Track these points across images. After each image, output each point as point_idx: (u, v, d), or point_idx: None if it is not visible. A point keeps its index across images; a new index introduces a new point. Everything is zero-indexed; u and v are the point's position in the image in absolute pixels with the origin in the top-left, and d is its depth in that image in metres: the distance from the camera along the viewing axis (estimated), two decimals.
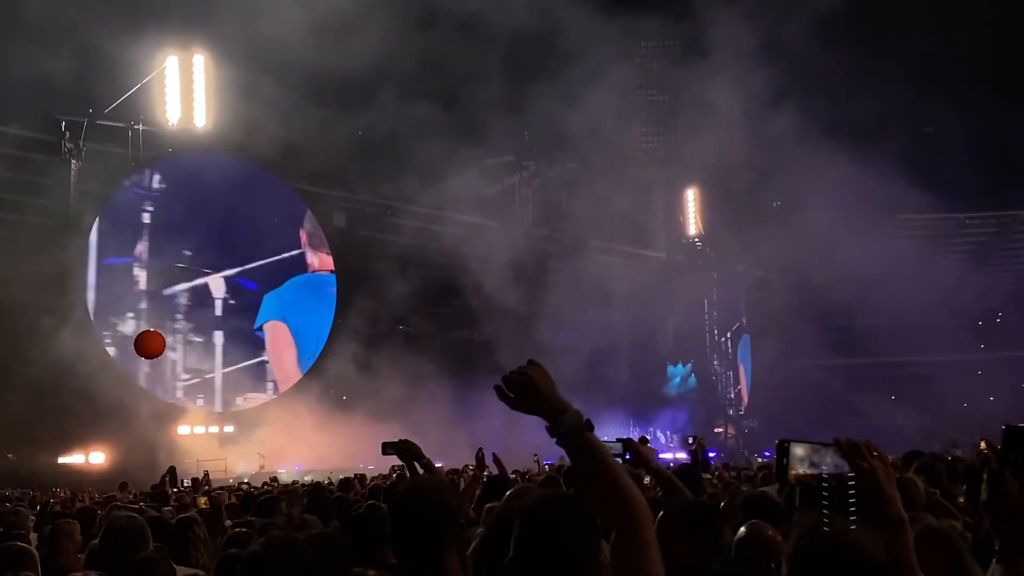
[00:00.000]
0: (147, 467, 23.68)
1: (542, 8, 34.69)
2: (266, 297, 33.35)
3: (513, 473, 12.64)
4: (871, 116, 37.33)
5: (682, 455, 27.55)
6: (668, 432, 36.57)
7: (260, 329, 33.29)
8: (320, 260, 35.28)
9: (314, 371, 33.86)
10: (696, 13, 39.44)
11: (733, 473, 14.32)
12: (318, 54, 28.95)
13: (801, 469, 2.44)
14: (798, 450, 2.44)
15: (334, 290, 35.05)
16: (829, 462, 2.42)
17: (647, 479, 5.36)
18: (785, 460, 2.43)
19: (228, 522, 7.10)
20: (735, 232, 43.00)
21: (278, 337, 33.54)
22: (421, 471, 5.16)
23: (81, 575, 3.77)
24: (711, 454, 29.69)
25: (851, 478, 2.37)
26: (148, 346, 15.28)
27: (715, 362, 47.48)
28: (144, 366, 30.63)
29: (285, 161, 33.66)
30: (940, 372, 45.63)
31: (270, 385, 33.42)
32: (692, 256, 46.42)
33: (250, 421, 30.93)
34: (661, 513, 3.68)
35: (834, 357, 46.42)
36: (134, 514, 4.92)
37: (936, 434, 34.06)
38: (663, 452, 31.04)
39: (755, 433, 43.95)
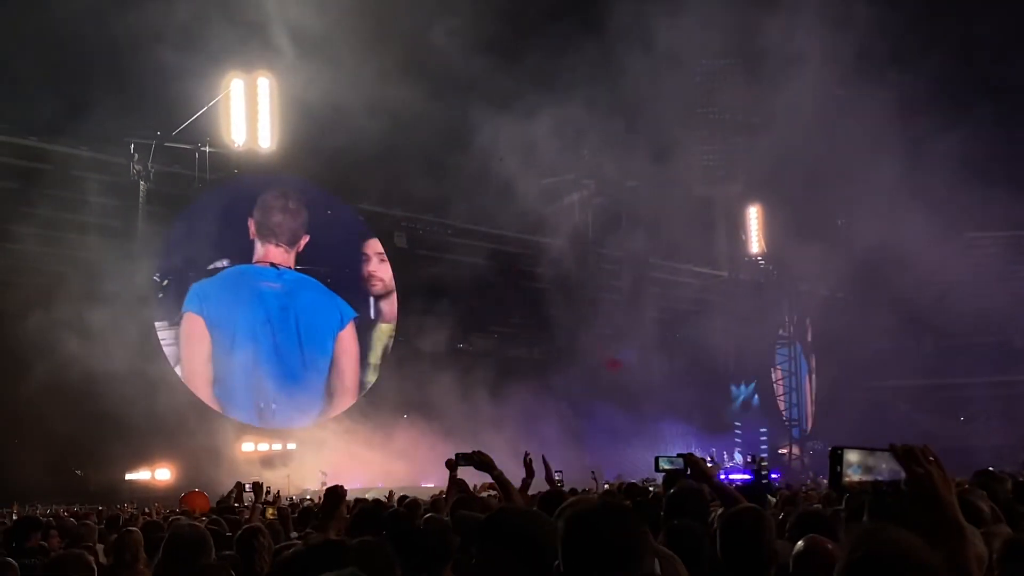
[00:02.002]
0: (212, 484, 23.96)
1: (601, 28, 34.82)
2: (193, 286, 31.09)
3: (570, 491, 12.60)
4: (940, 126, 36.59)
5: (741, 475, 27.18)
6: (736, 452, 36.11)
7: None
8: (267, 252, 32.81)
9: (375, 390, 34.06)
10: (757, 30, 39.18)
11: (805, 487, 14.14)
12: (380, 75, 29.32)
13: (856, 476, 2.39)
14: (851, 456, 2.39)
15: (274, 285, 32.69)
16: (884, 468, 2.37)
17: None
18: (839, 467, 2.39)
19: (294, 533, 7.20)
20: (799, 250, 42.53)
21: (191, 329, 31.02)
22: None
23: None
24: (774, 475, 29.33)
25: (907, 484, 2.32)
26: (192, 505, 15.80)
27: (779, 382, 46.88)
28: (207, 384, 31.12)
29: (347, 181, 34.07)
30: (1010, 393, 44.67)
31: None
32: (755, 274, 45.96)
33: (312, 438, 31.15)
34: (718, 515, 3.68)
35: (901, 377, 45.62)
36: (196, 523, 5.00)
37: (1007, 455, 33.28)
38: (734, 473, 30.46)
39: (820, 454, 43.29)
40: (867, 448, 2.41)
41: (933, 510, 2.30)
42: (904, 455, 2.34)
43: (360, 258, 35.15)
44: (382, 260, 35.29)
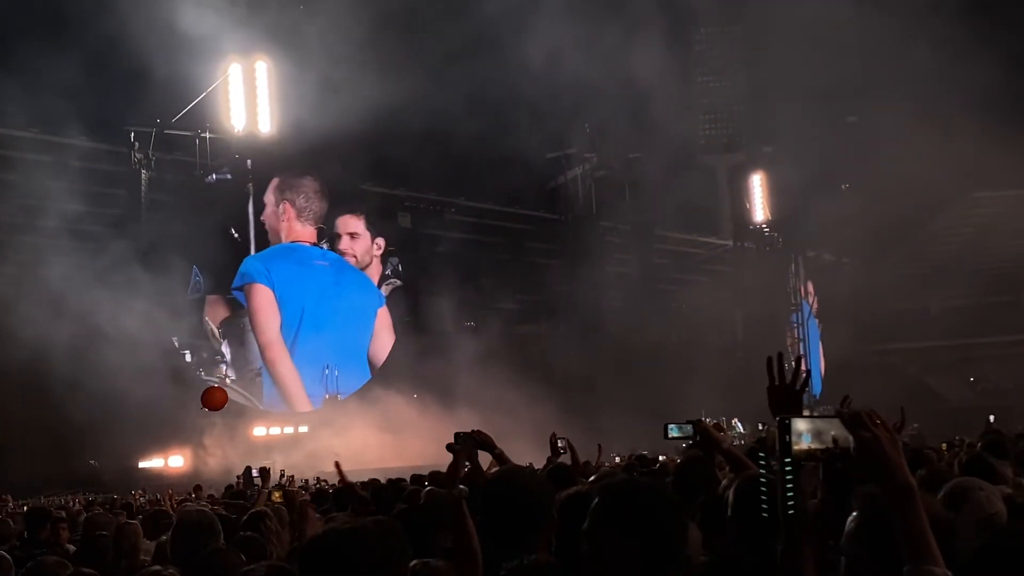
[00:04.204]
0: (225, 470, 24.08)
1: None
2: (247, 260, 31.93)
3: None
4: (942, 87, 36.33)
5: None
6: (735, 420, 36.07)
7: (240, 290, 31.80)
8: (305, 231, 33.67)
9: (384, 370, 34.11)
10: None
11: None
12: (379, 55, 29.24)
13: (806, 445, 2.40)
14: (800, 425, 2.40)
15: (323, 263, 33.82)
16: (833, 435, 2.38)
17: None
18: (788, 437, 2.39)
19: None
20: (803, 216, 42.45)
21: (263, 301, 32.00)
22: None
23: (155, 570, 3.84)
24: None
25: (856, 449, 2.33)
26: (210, 401, 15.97)
27: (788, 349, 46.83)
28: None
29: (349, 162, 34.02)
30: (1020, 352, 44.60)
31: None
32: (760, 242, 45.84)
33: (324, 421, 31.27)
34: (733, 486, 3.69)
35: (909, 340, 45.60)
36: (204, 508, 5.02)
37: (1018, 416, 33.29)
38: None
39: None
40: (815, 416, 2.42)
41: (882, 473, 2.30)
42: (851, 420, 2.34)
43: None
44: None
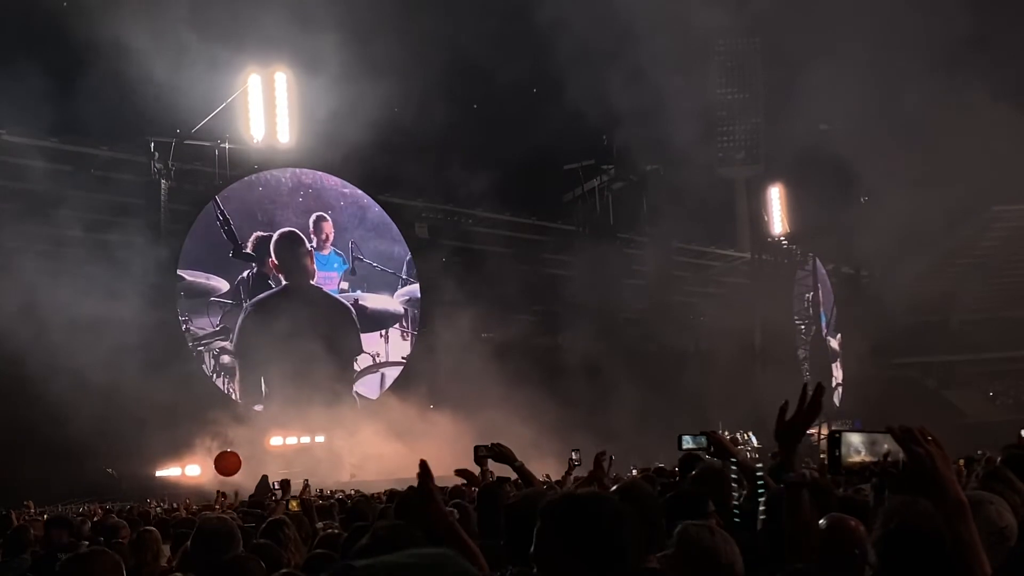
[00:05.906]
0: (242, 479, 24.05)
1: (618, 8, 34.64)
2: None
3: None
4: (962, 99, 36.20)
5: None
6: (749, 433, 35.92)
7: None
8: None
9: (400, 381, 34.14)
10: (775, 9, 38.94)
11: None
12: (397, 67, 29.37)
13: (856, 458, 2.42)
14: (852, 439, 2.42)
15: None
16: (884, 450, 2.39)
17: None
18: (837, 451, 2.41)
19: (319, 524, 7.27)
20: (822, 229, 42.33)
21: None
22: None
23: None
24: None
25: (908, 464, 2.34)
26: (226, 466, 16.05)
27: (805, 363, 46.62)
28: (235, 380, 31.37)
29: (367, 173, 34.15)
30: None
31: None
32: (778, 255, 45.71)
33: (340, 431, 31.28)
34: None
35: (927, 353, 45.36)
36: (224, 516, 5.06)
37: None
38: None
39: None
40: (866, 431, 2.44)
41: (934, 489, 2.31)
42: (903, 436, 2.35)
43: None
44: None
